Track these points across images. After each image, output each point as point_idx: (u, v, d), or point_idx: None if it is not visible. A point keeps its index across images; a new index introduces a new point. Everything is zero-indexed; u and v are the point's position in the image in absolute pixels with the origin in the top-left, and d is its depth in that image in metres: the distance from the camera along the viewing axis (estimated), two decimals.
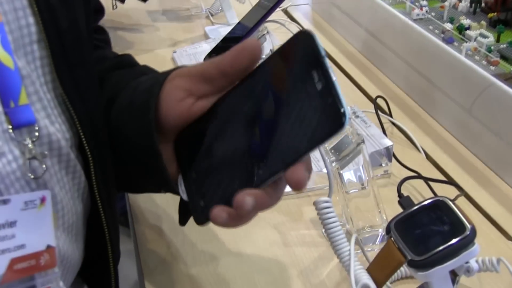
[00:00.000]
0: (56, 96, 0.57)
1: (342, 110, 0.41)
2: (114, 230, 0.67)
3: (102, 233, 0.65)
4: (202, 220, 0.52)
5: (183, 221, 0.65)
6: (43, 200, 0.54)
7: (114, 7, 1.56)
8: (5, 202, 0.51)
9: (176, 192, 0.58)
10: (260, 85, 0.49)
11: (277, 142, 0.46)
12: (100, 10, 0.80)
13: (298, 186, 0.46)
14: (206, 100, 0.55)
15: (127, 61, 0.76)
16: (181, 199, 0.61)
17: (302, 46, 0.45)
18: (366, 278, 0.62)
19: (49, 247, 0.54)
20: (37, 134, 0.54)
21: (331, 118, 0.41)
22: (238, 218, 0.50)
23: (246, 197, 0.48)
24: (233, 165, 0.50)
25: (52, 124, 0.56)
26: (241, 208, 0.48)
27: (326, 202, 0.65)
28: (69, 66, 0.58)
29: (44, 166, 0.54)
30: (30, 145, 0.53)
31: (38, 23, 0.55)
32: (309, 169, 0.47)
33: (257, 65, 0.51)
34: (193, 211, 0.53)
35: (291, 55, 0.46)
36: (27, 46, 0.54)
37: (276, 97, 0.47)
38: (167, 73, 0.58)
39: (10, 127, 0.52)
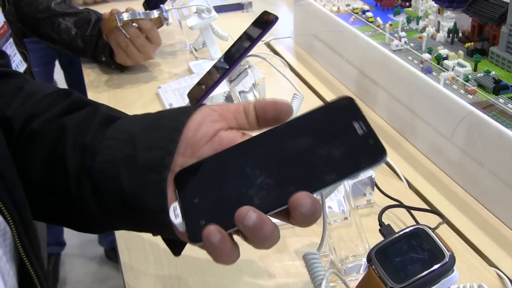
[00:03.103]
0: None
1: (383, 147, 0.52)
2: (44, 278, 0.63)
3: (32, 285, 0.62)
4: (197, 238, 0.54)
5: (177, 251, 0.65)
6: None
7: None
8: None
9: (166, 233, 0.59)
10: (298, 129, 0.57)
11: (314, 171, 0.54)
12: None
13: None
14: (234, 133, 0.60)
15: (81, 101, 0.69)
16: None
17: (344, 105, 0.57)
18: None
19: None
20: None
21: (375, 153, 0.52)
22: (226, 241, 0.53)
23: (250, 211, 0.52)
24: (247, 191, 0.55)
25: None
26: (244, 220, 0.52)
27: (314, 254, 0.66)
28: None
29: None
30: None
31: None
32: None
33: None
34: (189, 230, 0.55)
35: (334, 111, 0.57)
36: None
37: (315, 138, 0.55)
38: (192, 108, 0.61)
39: None
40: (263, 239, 0.53)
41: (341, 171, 0.53)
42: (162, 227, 0.58)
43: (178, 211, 0.56)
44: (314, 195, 0.53)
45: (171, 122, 0.60)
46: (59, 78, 2.62)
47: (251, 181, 0.55)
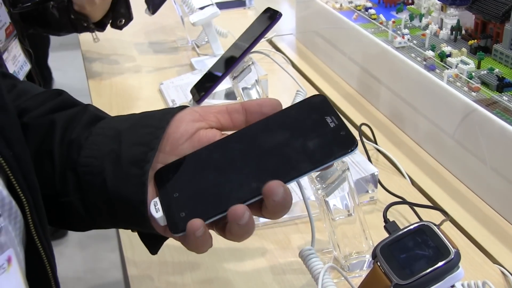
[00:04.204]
0: None
1: (354, 137, 0.56)
2: (53, 261, 0.64)
3: (43, 267, 0.62)
4: (178, 228, 0.56)
5: (154, 250, 0.67)
6: (9, 260, 0.53)
7: (96, 40, 1.57)
8: None
9: (148, 229, 0.61)
10: (273, 124, 0.60)
11: (289, 161, 0.57)
12: None
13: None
14: (214, 131, 0.62)
15: (71, 100, 0.72)
16: (142, 233, 0.66)
17: (316, 102, 0.60)
18: None
19: None
20: None
21: (347, 142, 0.56)
22: (206, 232, 0.56)
23: (246, 211, 0.54)
24: (229, 183, 0.57)
25: None
26: (236, 217, 0.54)
27: (309, 250, 0.66)
28: None
29: None
30: None
31: None
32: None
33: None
34: (170, 223, 0.57)
35: (307, 107, 0.60)
36: None
37: (289, 132, 0.58)
38: (176, 108, 0.63)
39: None
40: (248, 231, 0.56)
41: (315, 160, 0.56)
42: (141, 221, 0.60)
43: (159, 205, 0.58)
44: (292, 184, 0.56)
45: (156, 120, 0.62)
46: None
47: (229, 174, 0.58)
